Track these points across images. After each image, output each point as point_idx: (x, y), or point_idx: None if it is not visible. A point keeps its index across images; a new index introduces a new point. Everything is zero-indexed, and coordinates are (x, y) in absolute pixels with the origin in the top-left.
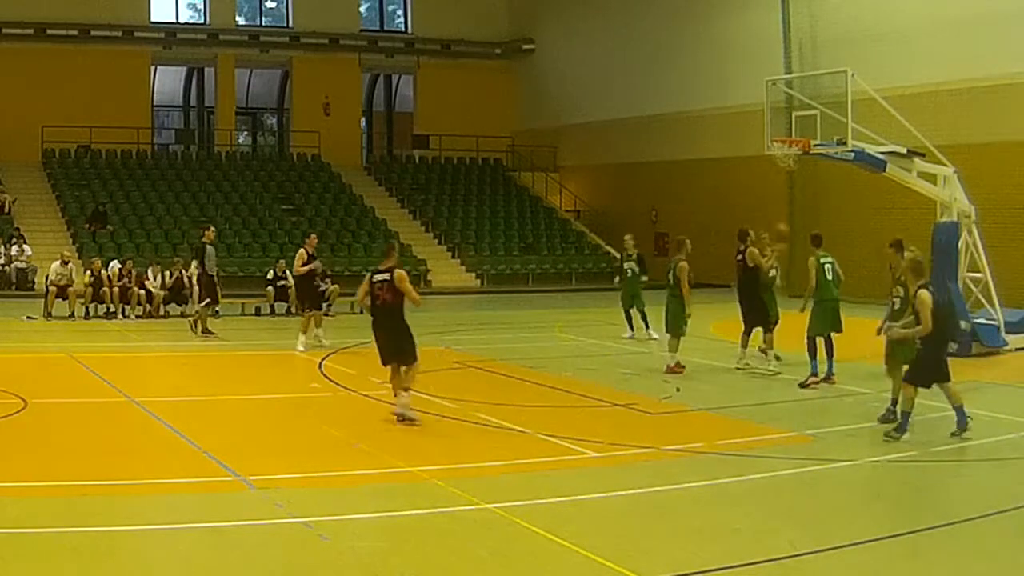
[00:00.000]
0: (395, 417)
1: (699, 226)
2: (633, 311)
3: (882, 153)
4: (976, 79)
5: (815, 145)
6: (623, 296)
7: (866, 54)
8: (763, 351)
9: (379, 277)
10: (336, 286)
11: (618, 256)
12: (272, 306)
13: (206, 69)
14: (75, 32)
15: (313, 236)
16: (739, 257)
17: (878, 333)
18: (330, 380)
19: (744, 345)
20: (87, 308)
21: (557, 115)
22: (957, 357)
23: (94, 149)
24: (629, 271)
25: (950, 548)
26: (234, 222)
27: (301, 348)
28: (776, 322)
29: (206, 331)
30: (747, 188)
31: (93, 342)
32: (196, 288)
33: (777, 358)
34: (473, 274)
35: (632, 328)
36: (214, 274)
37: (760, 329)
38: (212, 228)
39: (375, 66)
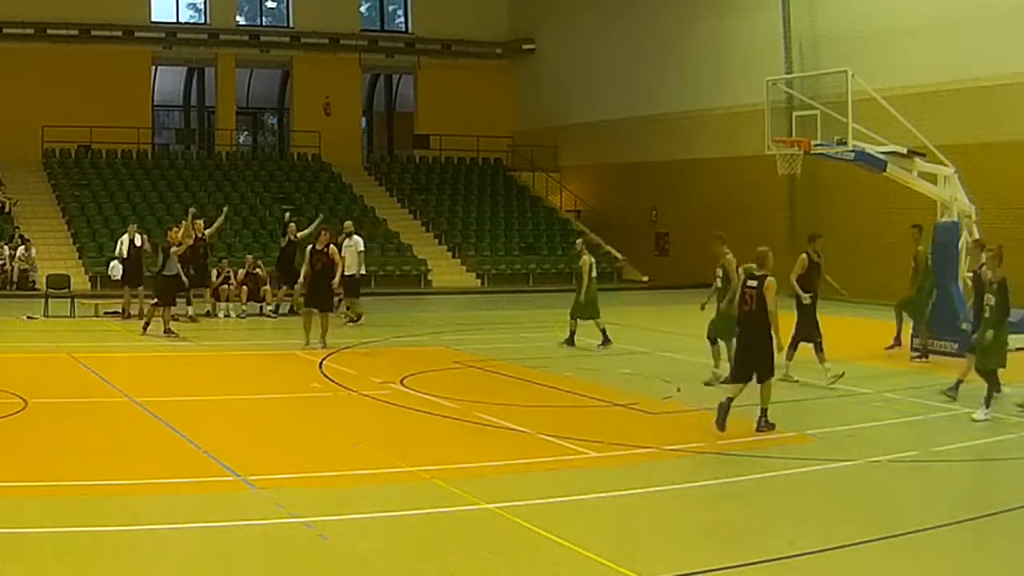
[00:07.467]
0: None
1: (699, 226)
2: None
3: (882, 153)
4: (976, 79)
5: (815, 145)
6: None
7: (866, 54)
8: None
9: (751, 283)
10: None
11: (618, 256)
12: (277, 306)
13: (206, 69)
14: (75, 32)
15: None
16: None
17: None
18: (330, 380)
19: None
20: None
21: (557, 115)
22: (958, 357)
23: (94, 149)
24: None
25: (950, 548)
26: (234, 222)
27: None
28: None
29: (168, 331)
30: (747, 188)
31: (93, 342)
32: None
33: None
34: (473, 274)
35: (606, 337)
36: (172, 274)
37: None
38: (174, 228)
39: (375, 66)
